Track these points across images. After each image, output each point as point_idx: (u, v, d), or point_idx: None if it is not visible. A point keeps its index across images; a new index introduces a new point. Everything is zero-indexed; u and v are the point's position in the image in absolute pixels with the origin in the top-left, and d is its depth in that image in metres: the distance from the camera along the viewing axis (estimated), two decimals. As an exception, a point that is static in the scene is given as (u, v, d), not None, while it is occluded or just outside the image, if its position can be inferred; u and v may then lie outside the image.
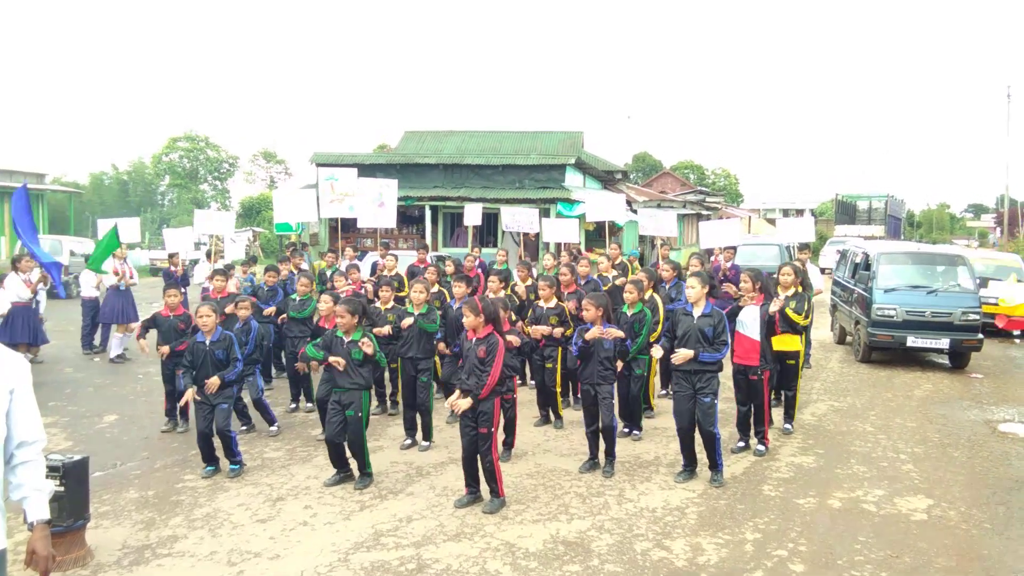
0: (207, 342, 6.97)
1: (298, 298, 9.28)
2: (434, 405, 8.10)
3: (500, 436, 7.44)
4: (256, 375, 8.32)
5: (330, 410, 6.69)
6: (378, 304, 8.48)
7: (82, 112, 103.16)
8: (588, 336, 6.78)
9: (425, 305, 7.79)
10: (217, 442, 6.98)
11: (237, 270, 12.28)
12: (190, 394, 6.87)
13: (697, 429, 6.74)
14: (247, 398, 8.35)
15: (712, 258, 12.52)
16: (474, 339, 6.16)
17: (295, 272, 11.09)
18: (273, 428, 8.30)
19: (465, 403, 6.01)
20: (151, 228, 45.12)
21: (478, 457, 6.17)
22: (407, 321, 7.65)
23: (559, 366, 8.40)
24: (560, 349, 8.36)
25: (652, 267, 10.32)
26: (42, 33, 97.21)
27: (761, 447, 7.62)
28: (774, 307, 7.50)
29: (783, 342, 8.15)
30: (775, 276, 8.52)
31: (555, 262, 11.57)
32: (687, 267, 10.98)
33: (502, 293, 8.89)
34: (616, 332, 6.84)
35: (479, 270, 11.68)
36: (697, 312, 6.72)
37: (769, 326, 7.57)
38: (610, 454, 7.02)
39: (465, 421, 6.15)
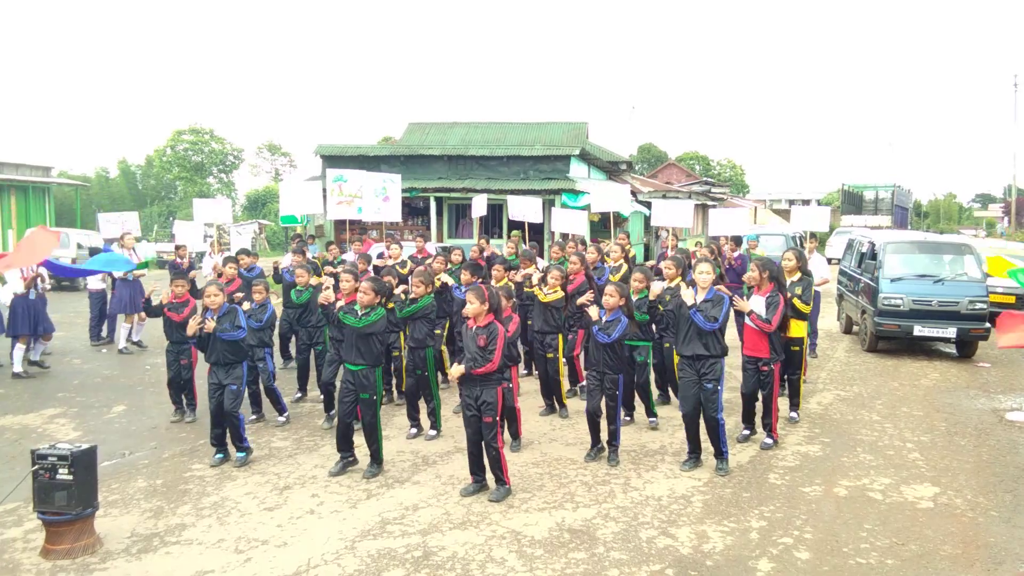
0: (215, 317, 7.03)
1: (302, 289, 9.23)
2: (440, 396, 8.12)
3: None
4: (268, 360, 8.35)
5: (342, 389, 6.73)
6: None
7: (88, 105, 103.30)
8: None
9: (427, 296, 7.78)
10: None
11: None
12: (195, 321, 7.02)
13: (701, 416, 6.76)
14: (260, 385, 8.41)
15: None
16: (474, 328, 6.17)
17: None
18: (282, 418, 8.34)
19: (458, 370, 6.05)
20: (159, 221, 45.21)
21: (483, 446, 6.19)
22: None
23: (561, 355, 8.41)
24: (561, 338, 8.37)
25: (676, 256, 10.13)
26: (47, 27, 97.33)
27: (769, 440, 7.58)
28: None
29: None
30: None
31: (560, 252, 11.53)
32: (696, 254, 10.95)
33: (504, 281, 8.88)
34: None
35: (485, 260, 11.63)
36: (700, 297, 6.73)
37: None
38: (613, 443, 7.03)
39: (469, 411, 6.16)
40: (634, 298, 7.61)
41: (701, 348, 6.65)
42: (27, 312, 10.58)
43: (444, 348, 8.99)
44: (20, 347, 10.51)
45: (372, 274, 10.23)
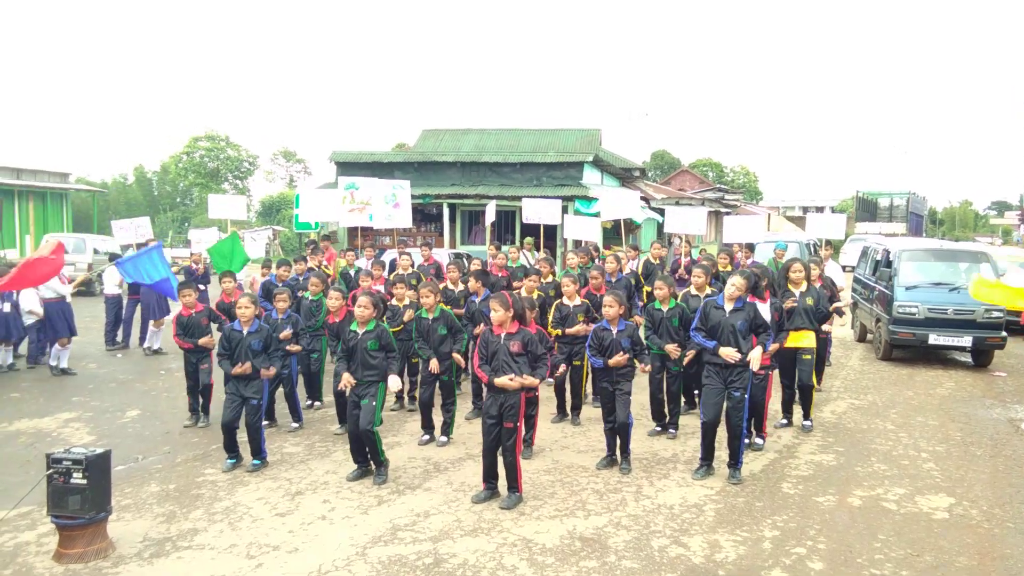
0: (244, 332, 7.01)
1: (310, 297, 9.12)
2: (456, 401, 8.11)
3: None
4: (293, 367, 8.35)
5: (350, 403, 6.71)
6: (394, 301, 8.55)
7: (106, 113, 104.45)
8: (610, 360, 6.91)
9: (437, 308, 7.76)
10: (242, 436, 7.03)
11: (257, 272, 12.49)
12: (241, 368, 6.89)
13: (724, 423, 6.71)
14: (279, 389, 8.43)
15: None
16: (503, 334, 6.14)
17: (310, 271, 11.15)
18: (295, 424, 8.36)
19: (532, 381, 6.09)
20: (174, 227, 45.57)
21: (499, 452, 6.18)
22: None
23: (586, 363, 8.35)
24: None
25: (705, 262, 10.05)
26: (66, 36, 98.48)
27: (759, 440, 7.65)
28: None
29: (798, 337, 8.11)
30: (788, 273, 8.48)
31: (579, 260, 11.49)
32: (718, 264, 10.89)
33: (536, 293, 8.86)
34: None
35: (505, 269, 11.55)
36: (729, 306, 6.68)
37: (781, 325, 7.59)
38: (625, 451, 7.01)
39: (491, 419, 6.13)
40: (664, 309, 7.64)
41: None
42: (61, 315, 11.10)
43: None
44: (65, 347, 11.00)
45: (388, 280, 10.30)
